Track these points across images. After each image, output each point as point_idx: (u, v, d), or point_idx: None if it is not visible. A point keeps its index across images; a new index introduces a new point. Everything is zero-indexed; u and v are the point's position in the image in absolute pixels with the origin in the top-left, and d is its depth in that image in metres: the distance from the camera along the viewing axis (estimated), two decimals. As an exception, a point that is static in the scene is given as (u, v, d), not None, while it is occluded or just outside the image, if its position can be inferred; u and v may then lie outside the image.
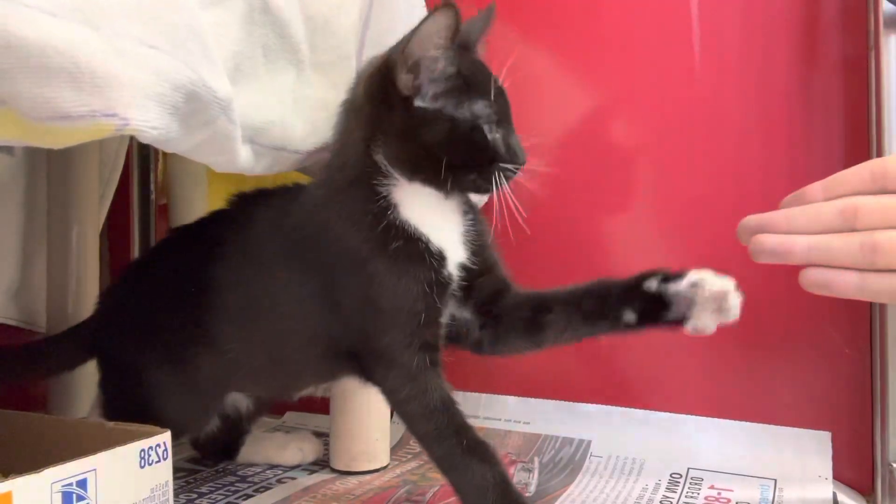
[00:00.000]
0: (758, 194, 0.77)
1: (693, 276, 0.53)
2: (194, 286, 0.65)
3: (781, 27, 0.76)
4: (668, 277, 0.53)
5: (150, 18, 0.42)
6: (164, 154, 1.05)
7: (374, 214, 0.55)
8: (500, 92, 0.57)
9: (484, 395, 0.87)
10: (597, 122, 0.84)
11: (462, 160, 0.54)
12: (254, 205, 0.66)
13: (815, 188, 0.54)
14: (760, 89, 0.77)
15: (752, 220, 0.56)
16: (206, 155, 0.52)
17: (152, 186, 1.10)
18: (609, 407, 0.81)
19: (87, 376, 0.89)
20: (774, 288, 0.75)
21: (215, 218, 0.69)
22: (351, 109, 0.58)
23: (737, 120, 0.78)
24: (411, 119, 0.53)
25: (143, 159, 1.09)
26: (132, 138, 0.68)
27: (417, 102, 0.53)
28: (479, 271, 0.59)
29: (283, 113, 0.58)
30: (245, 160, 0.56)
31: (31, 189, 0.87)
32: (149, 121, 0.42)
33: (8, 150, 0.83)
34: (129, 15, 0.41)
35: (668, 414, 0.78)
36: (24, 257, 0.87)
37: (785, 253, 0.53)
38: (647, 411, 0.79)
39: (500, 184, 0.54)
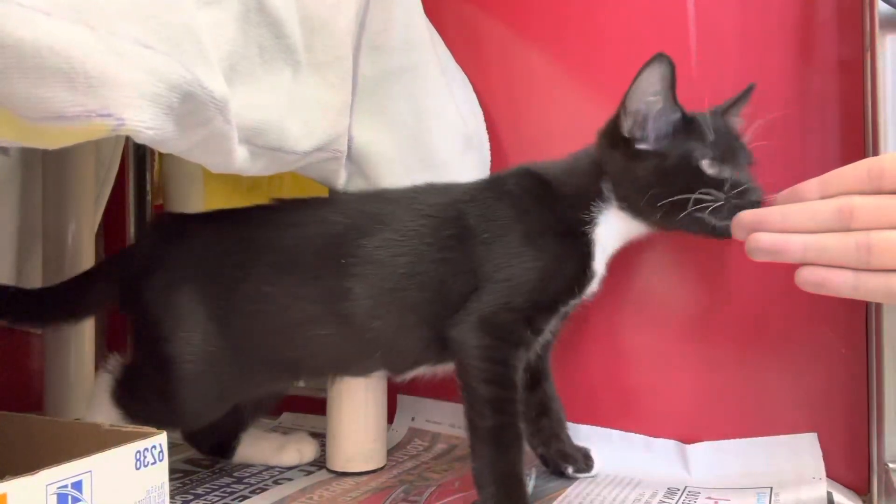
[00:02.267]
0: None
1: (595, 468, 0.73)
2: (324, 266, 0.64)
3: (777, 28, 0.76)
4: (584, 466, 0.73)
5: (146, 18, 0.42)
6: (161, 154, 1.04)
7: (579, 221, 0.64)
8: (735, 143, 0.63)
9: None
10: (592, 121, 0.84)
11: (670, 190, 0.59)
12: (407, 192, 0.68)
13: (811, 185, 0.54)
14: (757, 90, 0.77)
15: (748, 215, 0.56)
16: (202, 155, 0.52)
17: (148, 187, 1.10)
18: (609, 430, 0.80)
19: (84, 378, 0.89)
20: (771, 287, 0.75)
21: (330, 201, 0.70)
22: (597, 146, 0.67)
23: (733, 120, 0.78)
24: (631, 158, 0.62)
25: (139, 159, 1.09)
26: (128, 138, 0.68)
27: (638, 145, 0.62)
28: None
29: (279, 113, 0.58)
30: (241, 161, 0.56)
31: (26, 189, 0.87)
32: (144, 121, 0.42)
33: (3, 149, 0.82)
34: (124, 14, 0.41)
35: (667, 441, 0.77)
36: (19, 257, 0.87)
37: (781, 251, 0.53)
38: (648, 437, 0.78)
39: (718, 223, 0.59)
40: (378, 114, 0.70)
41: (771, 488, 0.68)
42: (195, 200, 0.99)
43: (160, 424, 0.55)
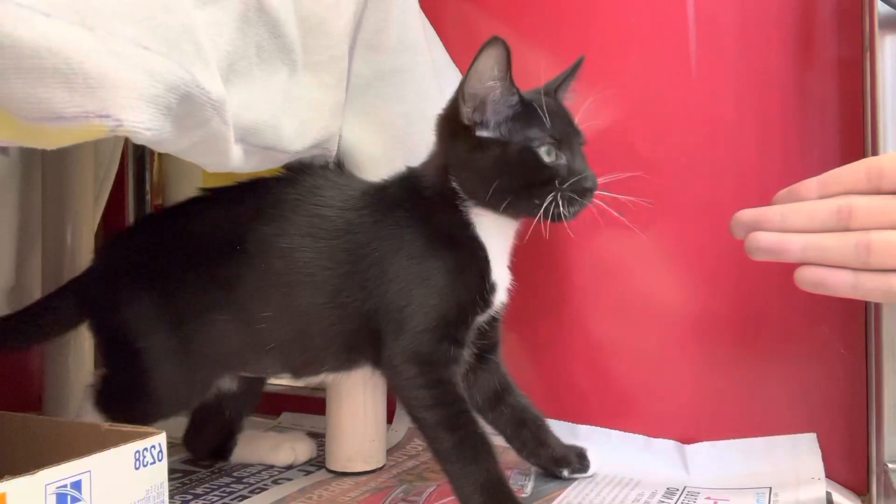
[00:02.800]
0: (754, 195, 0.76)
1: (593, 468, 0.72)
2: (228, 251, 0.64)
3: (777, 28, 0.76)
4: (579, 467, 0.72)
5: (145, 19, 0.42)
6: (160, 154, 1.04)
7: (455, 224, 0.61)
8: (569, 125, 0.62)
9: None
10: (589, 124, 0.84)
11: (513, 181, 0.58)
12: (311, 180, 0.66)
13: (810, 185, 0.54)
14: (756, 90, 0.77)
15: (747, 214, 0.56)
16: (199, 155, 0.52)
17: (148, 186, 1.10)
18: (609, 430, 0.80)
19: (83, 378, 0.89)
20: (770, 287, 0.75)
21: (257, 185, 0.68)
22: (436, 139, 0.64)
23: (732, 121, 0.78)
24: (471, 147, 0.59)
25: (138, 159, 1.09)
26: (127, 139, 0.68)
27: (479, 132, 0.59)
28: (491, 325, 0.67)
29: (274, 113, 0.58)
30: (236, 160, 0.55)
31: (25, 189, 0.87)
32: (142, 122, 0.42)
33: (3, 150, 0.82)
34: (123, 15, 0.41)
35: (666, 441, 0.77)
36: (18, 257, 0.87)
37: (780, 251, 0.53)
38: (647, 437, 0.78)
39: (559, 207, 0.58)
40: (368, 114, 0.70)
41: (770, 488, 0.68)
42: (194, 200, 0.99)
43: (140, 420, 0.57)
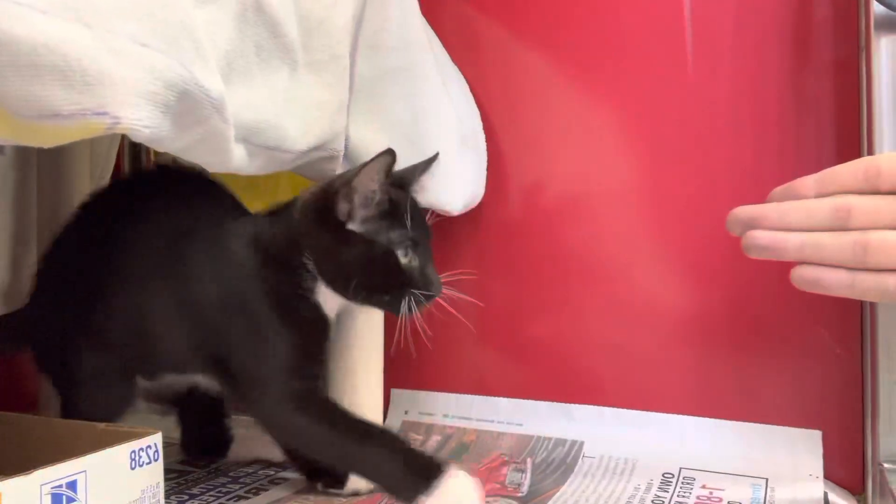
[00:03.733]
0: (750, 195, 0.76)
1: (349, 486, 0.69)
2: (92, 267, 0.68)
3: (773, 28, 0.76)
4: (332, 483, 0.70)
5: (143, 16, 0.42)
6: (156, 153, 1.04)
7: (296, 287, 0.64)
8: (422, 225, 0.65)
9: (476, 396, 0.87)
10: (589, 122, 0.84)
11: (373, 280, 0.62)
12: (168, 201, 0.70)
13: (807, 182, 0.54)
14: (752, 90, 0.77)
15: (743, 211, 0.56)
16: (199, 154, 0.52)
17: (144, 186, 1.09)
18: (601, 408, 0.81)
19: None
20: (766, 287, 0.75)
21: (120, 195, 0.73)
22: (297, 221, 0.64)
23: (728, 121, 0.78)
24: (339, 240, 0.62)
25: (134, 158, 1.09)
26: (124, 137, 0.67)
27: (349, 226, 0.62)
28: None
29: (276, 112, 0.58)
30: (238, 160, 0.55)
31: (21, 188, 0.87)
32: (140, 119, 0.42)
33: (-2, 148, 0.82)
34: (121, 12, 0.41)
35: (659, 414, 0.78)
36: (13, 257, 0.86)
37: (777, 249, 0.53)
38: (639, 412, 0.79)
39: (410, 308, 0.62)
40: (374, 113, 0.70)
41: (766, 480, 0.68)
42: (191, 200, 0.99)
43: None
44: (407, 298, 0.62)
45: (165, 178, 0.73)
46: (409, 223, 0.62)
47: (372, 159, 0.59)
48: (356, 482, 0.68)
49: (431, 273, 0.64)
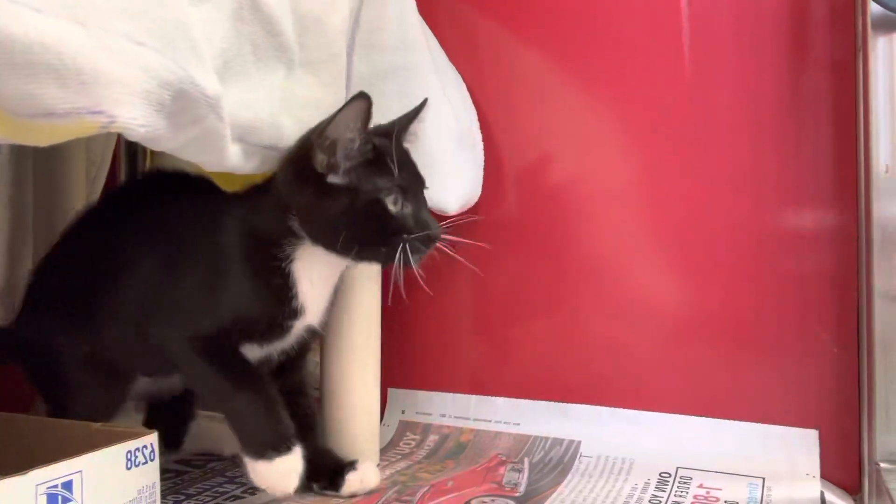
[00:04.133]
0: (748, 194, 0.77)
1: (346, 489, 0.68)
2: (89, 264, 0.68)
3: (770, 29, 0.76)
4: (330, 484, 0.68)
5: (139, 14, 0.42)
6: (152, 152, 1.04)
7: (272, 255, 0.62)
8: (412, 171, 0.63)
9: (474, 396, 0.87)
10: (587, 122, 0.84)
11: (363, 231, 0.59)
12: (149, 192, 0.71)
13: None
14: (750, 91, 0.77)
15: None
16: (195, 153, 0.52)
17: (140, 185, 1.09)
18: (598, 407, 0.81)
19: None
20: (763, 287, 0.75)
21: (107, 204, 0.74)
22: (278, 181, 0.62)
23: (726, 121, 0.78)
24: (321, 194, 0.59)
25: (131, 158, 1.09)
26: (120, 136, 0.67)
27: (330, 179, 0.59)
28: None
29: (272, 111, 0.58)
30: (234, 159, 0.55)
31: (17, 188, 0.86)
32: (136, 118, 0.41)
33: (-7, 148, 0.82)
34: (117, 11, 0.41)
35: (656, 413, 0.78)
36: (10, 258, 0.86)
37: None
38: (636, 411, 0.79)
39: (408, 255, 0.59)
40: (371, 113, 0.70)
41: (763, 479, 0.68)
42: (187, 199, 0.99)
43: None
44: (402, 246, 0.59)
45: (158, 182, 0.73)
46: (395, 170, 0.59)
47: (345, 104, 0.57)
48: (352, 484, 0.68)
49: (426, 216, 0.61)
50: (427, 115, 0.72)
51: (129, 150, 1.07)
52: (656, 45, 0.80)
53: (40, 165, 0.86)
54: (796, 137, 0.75)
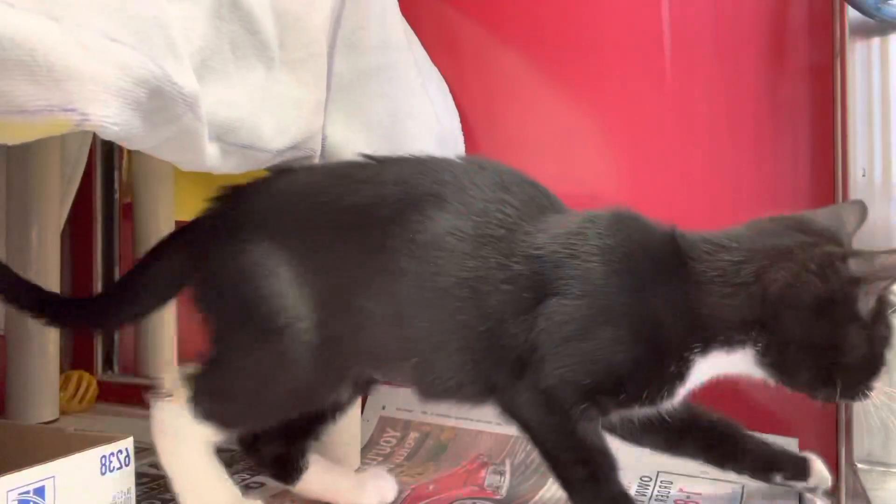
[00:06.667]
0: (727, 198, 0.78)
1: (813, 480, 0.63)
2: (387, 233, 0.56)
3: (749, 34, 0.77)
4: (793, 475, 0.64)
5: (115, 10, 0.41)
6: (129, 151, 1.02)
7: (680, 346, 0.55)
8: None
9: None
10: (566, 122, 0.84)
11: (857, 372, 0.54)
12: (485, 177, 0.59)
13: None
14: (729, 96, 0.78)
15: None
16: (172, 153, 0.51)
17: (116, 185, 1.08)
18: None
19: (48, 380, 0.86)
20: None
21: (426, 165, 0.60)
22: (760, 292, 0.54)
23: (705, 125, 0.79)
24: (842, 332, 0.53)
25: (106, 156, 1.07)
26: (95, 135, 0.66)
27: (861, 315, 0.53)
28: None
29: (251, 111, 0.57)
30: (212, 159, 0.54)
31: (-12, 186, 0.85)
32: (109, 116, 0.41)
33: (-35, 146, 0.80)
34: (91, 6, 0.40)
35: None
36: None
37: None
38: None
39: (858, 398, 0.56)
40: (353, 113, 0.70)
41: (743, 486, 0.69)
42: (165, 199, 0.98)
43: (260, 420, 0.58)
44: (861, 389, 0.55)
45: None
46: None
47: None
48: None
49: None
50: (409, 115, 0.72)
51: (104, 149, 1.05)
52: (637, 49, 0.81)
53: (13, 165, 0.84)
54: (775, 142, 0.76)
